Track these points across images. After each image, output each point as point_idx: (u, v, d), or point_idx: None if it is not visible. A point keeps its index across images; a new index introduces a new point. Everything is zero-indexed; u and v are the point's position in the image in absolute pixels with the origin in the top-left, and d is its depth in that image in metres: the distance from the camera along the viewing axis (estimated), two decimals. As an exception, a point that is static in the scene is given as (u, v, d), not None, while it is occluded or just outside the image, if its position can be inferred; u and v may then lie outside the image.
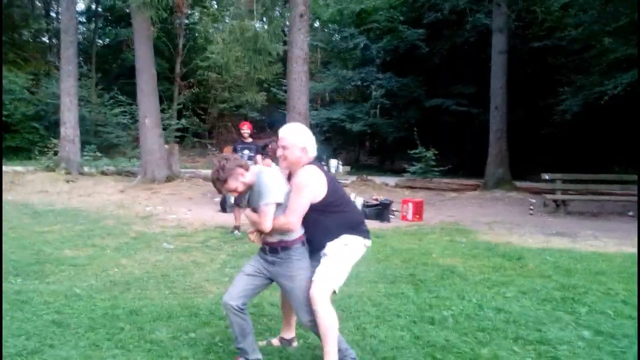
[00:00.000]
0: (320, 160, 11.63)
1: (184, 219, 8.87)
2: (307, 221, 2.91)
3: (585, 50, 15.22)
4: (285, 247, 2.93)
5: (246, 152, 7.90)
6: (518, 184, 15.26)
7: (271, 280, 3.03)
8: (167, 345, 3.37)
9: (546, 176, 11.27)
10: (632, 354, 3.27)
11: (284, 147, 2.95)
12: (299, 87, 12.52)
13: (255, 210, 2.94)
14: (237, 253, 6.32)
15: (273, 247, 2.96)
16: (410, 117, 20.64)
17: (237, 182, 2.92)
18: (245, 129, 8.12)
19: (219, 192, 3.07)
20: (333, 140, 22.39)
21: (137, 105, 13.83)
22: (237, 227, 7.52)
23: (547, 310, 4.16)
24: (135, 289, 4.76)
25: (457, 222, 9.38)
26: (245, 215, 3.06)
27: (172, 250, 6.48)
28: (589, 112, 14.93)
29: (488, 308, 4.20)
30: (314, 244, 2.97)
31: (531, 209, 10.94)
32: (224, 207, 9.64)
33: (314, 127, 18.74)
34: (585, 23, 13.43)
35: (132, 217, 8.92)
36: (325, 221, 2.92)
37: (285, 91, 15.57)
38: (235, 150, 7.92)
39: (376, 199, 10.20)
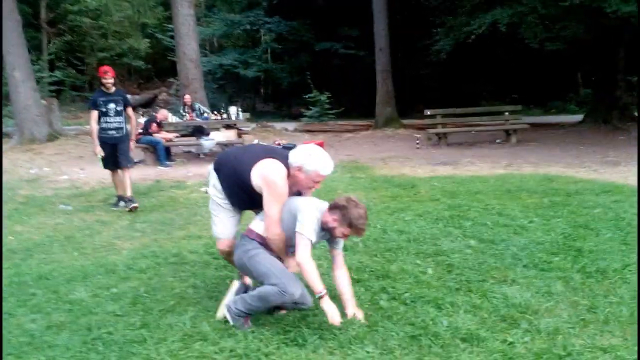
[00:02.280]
0: (217, 110, 11.18)
1: (78, 179, 8.35)
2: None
3: (453, -8, 16.00)
4: None
5: (112, 106, 6.01)
6: (405, 121, 16.33)
7: None
8: (89, 303, 3.35)
9: (428, 112, 12.25)
10: (508, 254, 3.92)
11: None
12: (187, 31, 12.01)
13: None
14: (146, 208, 6.19)
15: None
16: (302, 62, 20.71)
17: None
18: (108, 78, 6.02)
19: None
20: (227, 87, 21.83)
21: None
22: (124, 198, 6.20)
23: (439, 227, 4.75)
24: (39, 254, 4.55)
25: (355, 160, 9.95)
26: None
27: (71, 211, 6.17)
28: (461, 51, 16.06)
29: (391, 231, 4.69)
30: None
31: (417, 143, 11.88)
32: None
33: (207, 75, 18.10)
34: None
35: (16, 181, 8.19)
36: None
37: (172, 37, 14.79)
38: (95, 105, 5.99)
39: (279, 144, 10.38)
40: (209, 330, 2.79)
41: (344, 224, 2.76)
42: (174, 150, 10.41)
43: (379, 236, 4.55)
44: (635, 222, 4.66)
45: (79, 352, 2.64)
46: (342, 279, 2.96)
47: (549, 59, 17.90)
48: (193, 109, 10.49)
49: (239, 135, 10.31)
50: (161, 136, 9.67)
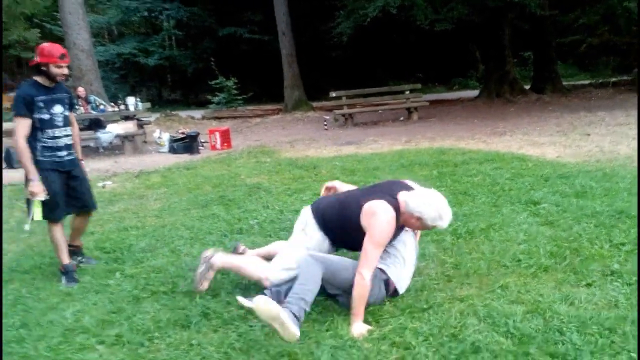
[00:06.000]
0: (116, 99, 10.42)
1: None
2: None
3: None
4: None
5: (59, 109, 3.51)
6: (315, 104, 16.58)
7: None
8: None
9: (333, 94, 12.56)
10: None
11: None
12: (77, 20, 11.33)
13: None
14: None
15: None
16: (206, 48, 20.26)
17: None
18: (64, 64, 3.50)
19: None
20: (129, 77, 20.81)
21: None
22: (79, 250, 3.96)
23: (333, 204, 4.97)
24: None
25: (262, 145, 10.00)
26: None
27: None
28: (366, 33, 16.48)
29: (288, 212, 4.83)
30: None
31: (325, 125, 12.15)
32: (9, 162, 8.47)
33: (105, 65, 17.17)
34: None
35: None
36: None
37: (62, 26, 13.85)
38: (30, 109, 3.38)
39: (183, 133, 10.17)
40: (91, 323, 2.77)
41: None
42: (70, 145, 9.84)
43: (276, 217, 4.68)
44: (509, 185, 5.19)
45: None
46: None
47: (446, 38, 18.88)
48: (88, 102, 9.96)
49: (140, 126, 9.96)
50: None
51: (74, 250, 3.85)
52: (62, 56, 3.46)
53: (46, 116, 3.44)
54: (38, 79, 3.46)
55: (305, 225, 3.03)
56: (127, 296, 3.14)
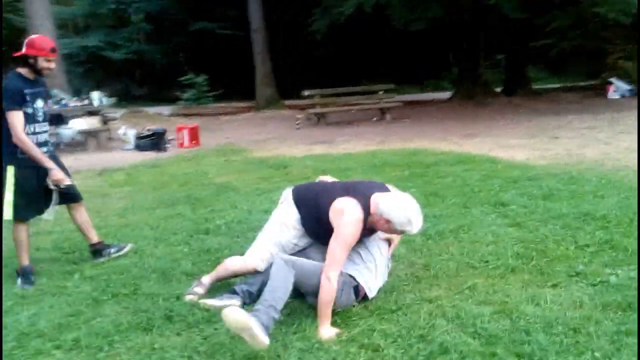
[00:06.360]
0: (79, 94, 10.04)
1: None
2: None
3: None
4: None
5: (40, 104, 3.42)
6: (287, 102, 16.45)
7: None
8: None
9: (306, 92, 12.48)
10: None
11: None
12: (40, 11, 10.97)
13: None
14: None
15: None
16: (177, 43, 19.91)
17: None
18: (49, 58, 3.39)
19: None
20: (95, 71, 20.25)
21: None
22: (99, 246, 3.78)
23: (304, 204, 4.91)
24: None
25: (232, 143, 9.87)
26: None
27: None
28: (342, 31, 16.44)
29: (257, 212, 4.74)
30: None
31: (297, 124, 12.07)
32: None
33: (68, 59, 16.63)
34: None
35: None
36: None
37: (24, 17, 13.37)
38: (22, 101, 3.28)
39: (149, 130, 9.94)
40: (47, 327, 2.64)
41: None
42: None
43: (244, 218, 4.59)
44: (479, 186, 5.23)
45: None
46: None
47: (421, 39, 19.05)
48: (50, 96, 9.61)
49: (105, 122, 9.70)
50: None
51: (100, 248, 3.72)
52: (53, 50, 3.42)
53: (30, 110, 3.36)
54: (22, 71, 3.37)
55: (284, 200, 3.05)
56: (86, 298, 3.01)
